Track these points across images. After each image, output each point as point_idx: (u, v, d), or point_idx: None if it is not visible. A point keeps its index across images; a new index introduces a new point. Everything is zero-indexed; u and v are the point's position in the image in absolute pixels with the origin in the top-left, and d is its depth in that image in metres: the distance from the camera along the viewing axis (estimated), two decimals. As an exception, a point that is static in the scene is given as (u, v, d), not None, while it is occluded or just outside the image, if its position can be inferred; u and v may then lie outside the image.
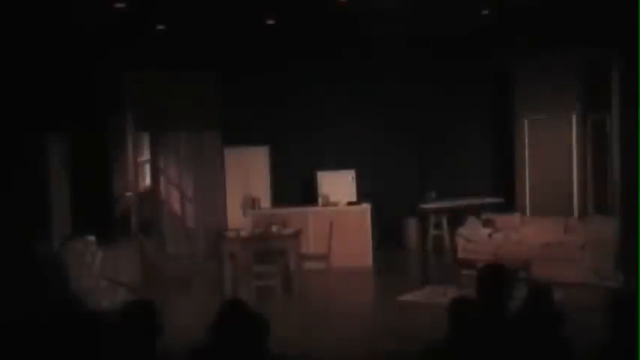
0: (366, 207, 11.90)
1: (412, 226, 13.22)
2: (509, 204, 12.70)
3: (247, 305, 3.75)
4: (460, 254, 10.88)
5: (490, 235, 10.93)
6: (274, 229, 10.41)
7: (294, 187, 13.17)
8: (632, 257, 9.21)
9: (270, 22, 10.94)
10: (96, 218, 11.07)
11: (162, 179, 13.67)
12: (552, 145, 12.43)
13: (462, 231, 11.25)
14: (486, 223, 11.22)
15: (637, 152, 10.35)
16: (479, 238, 10.97)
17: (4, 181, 9.36)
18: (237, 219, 12.52)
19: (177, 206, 13.60)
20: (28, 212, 9.60)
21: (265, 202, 12.69)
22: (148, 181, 13.85)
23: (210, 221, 13.17)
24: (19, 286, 8.47)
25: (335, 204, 12.00)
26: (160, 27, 10.88)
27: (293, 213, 11.71)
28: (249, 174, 12.92)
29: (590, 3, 9.97)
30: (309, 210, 11.93)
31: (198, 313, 8.67)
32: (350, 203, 12.05)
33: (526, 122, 12.67)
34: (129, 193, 12.23)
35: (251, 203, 12.32)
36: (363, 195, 12.22)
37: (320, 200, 12.11)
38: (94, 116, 11.67)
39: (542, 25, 10.98)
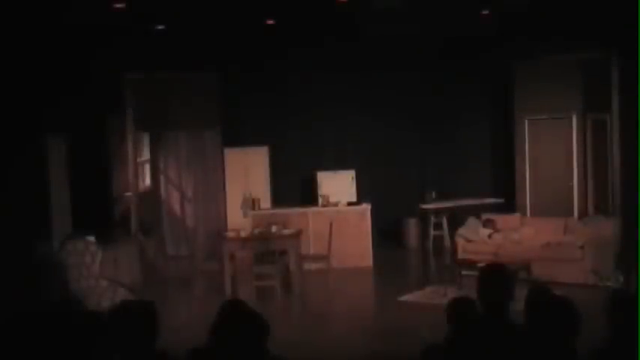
0: (366, 207, 11.90)
1: (412, 226, 13.22)
2: (510, 204, 12.70)
3: (247, 305, 3.75)
4: (460, 254, 10.87)
5: (490, 236, 10.93)
6: (274, 229, 10.41)
7: (294, 188, 13.16)
8: (632, 257, 9.20)
9: (270, 22, 10.94)
10: (96, 218, 11.06)
11: (162, 179, 13.68)
12: (552, 145, 12.45)
13: (462, 231, 11.24)
14: (486, 224, 11.21)
15: (637, 152, 10.35)
16: (479, 239, 10.97)
17: (4, 181, 9.36)
18: (237, 219, 12.51)
19: (177, 206, 13.61)
20: (28, 212, 9.60)
21: (265, 202, 12.68)
22: (148, 181, 13.86)
23: (210, 221, 13.17)
24: (19, 285, 8.48)
25: (335, 204, 11.99)
26: (160, 27, 10.88)
27: (293, 213, 11.72)
28: (249, 174, 12.91)
29: (590, 3, 9.97)
30: (309, 210, 11.92)
31: (198, 314, 8.69)
32: (350, 203, 12.04)
33: (526, 122, 12.68)
34: (129, 193, 12.23)
35: (251, 203, 12.31)
36: (363, 195, 12.22)
37: (320, 200, 12.11)
38: (93, 116, 11.67)
39: (542, 25, 10.98)
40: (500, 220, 11.30)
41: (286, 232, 10.46)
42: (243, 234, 10.45)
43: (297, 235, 10.45)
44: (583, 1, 9.95)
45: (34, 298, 8.36)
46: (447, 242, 12.74)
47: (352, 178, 12.25)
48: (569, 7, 10.14)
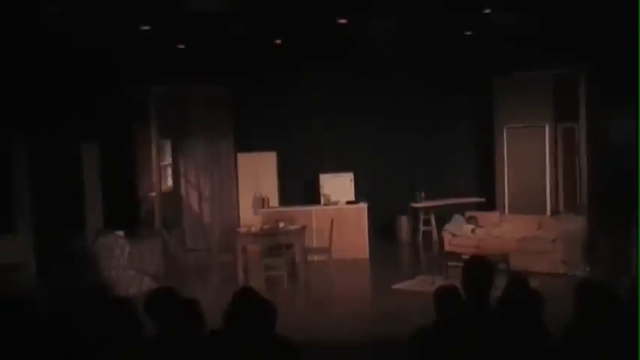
0: (363, 206, 11.89)
1: (404, 222, 13.21)
2: (490, 203, 12.70)
3: (258, 293, 3.77)
4: (446, 248, 10.88)
5: (473, 231, 10.93)
6: (282, 225, 10.41)
7: (299, 188, 13.16)
8: (597, 250, 9.25)
9: (278, 41, 10.96)
10: (124, 216, 11.11)
11: (182, 181, 13.69)
12: (528, 151, 12.44)
13: (448, 227, 11.24)
14: (470, 220, 11.21)
15: (602, 156, 10.42)
16: (463, 233, 10.97)
17: (47, 185, 9.43)
18: (248, 216, 12.52)
19: (195, 205, 13.62)
20: (66, 211, 9.66)
21: (274, 201, 12.69)
22: (170, 182, 13.88)
23: (225, 218, 13.18)
24: (59, 275, 8.53)
25: (335, 203, 11.99)
26: (181, 46, 10.91)
27: (298, 211, 11.71)
28: (259, 176, 12.91)
29: (561, 26, 10.01)
30: (313, 208, 11.90)
31: (214, 300, 8.70)
32: (349, 202, 12.03)
33: (505, 130, 12.68)
34: (153, 193, 12.25)
35: (261, 202, 12.32)
36: (360, 195, 12.22)
37: (322, 200, 12.11)
38: (122, 125, 11.71)
39: (519, 43, 10.97)
40: (482, 217, 11.30)
41: (292, 227, 10.47)
42: (253, 229, 10.46)
43: (302, 230, 10.45)
44: (554, 24, 9.99)
45: (72, 285, 8.39)
46: (435, 237, 12.72)
47: (351, 179, 12.24)
48: (543, 29, 10.17)
